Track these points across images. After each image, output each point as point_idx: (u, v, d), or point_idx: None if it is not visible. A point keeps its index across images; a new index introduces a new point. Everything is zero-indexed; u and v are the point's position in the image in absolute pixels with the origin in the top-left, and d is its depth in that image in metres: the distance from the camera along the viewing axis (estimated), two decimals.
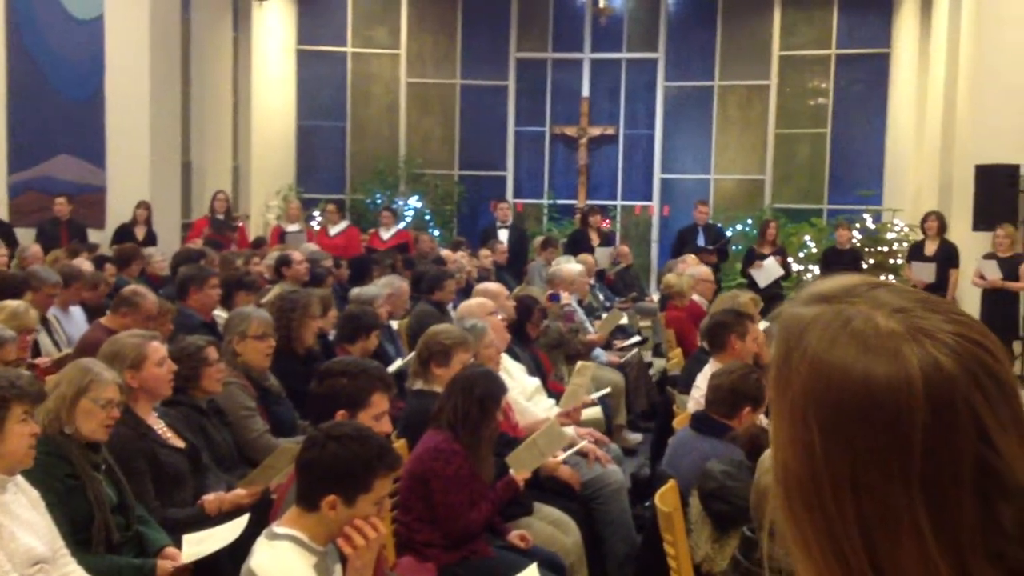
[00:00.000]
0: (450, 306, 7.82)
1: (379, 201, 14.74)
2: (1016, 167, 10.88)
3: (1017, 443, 0.81)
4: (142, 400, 4.01)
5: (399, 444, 4.26)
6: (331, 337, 6.35)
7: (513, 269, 11.57)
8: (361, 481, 2.70)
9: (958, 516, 0.80)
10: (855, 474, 0.81)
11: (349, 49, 15.79)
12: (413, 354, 5.01)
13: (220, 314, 6.46)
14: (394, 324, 7.43)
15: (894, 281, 10.66)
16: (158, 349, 4.09)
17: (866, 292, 0.86)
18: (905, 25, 14.39)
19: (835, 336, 0.83)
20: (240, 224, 12.12)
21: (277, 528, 2.71)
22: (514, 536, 4.14)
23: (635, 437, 7.75)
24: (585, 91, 15.74)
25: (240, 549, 3.04)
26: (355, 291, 7.31)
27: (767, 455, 2.77)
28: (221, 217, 11.67)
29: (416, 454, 4.00)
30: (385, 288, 7.29)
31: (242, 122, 14.56)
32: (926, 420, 0.79)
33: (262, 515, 3.45)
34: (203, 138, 13.34)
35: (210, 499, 3.90)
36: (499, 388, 4.15)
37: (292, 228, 12.30)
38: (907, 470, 0.79)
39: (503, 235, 11.96)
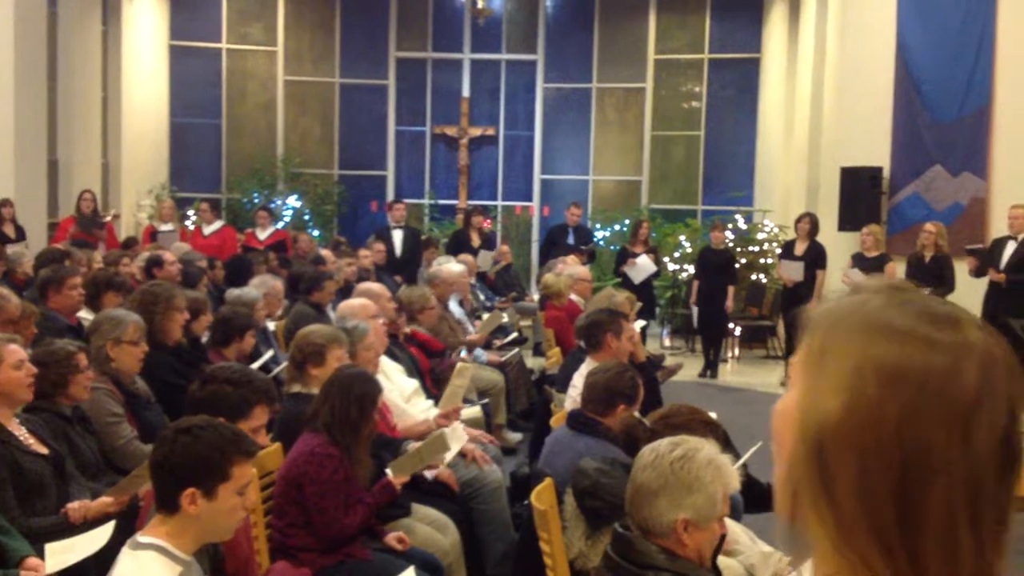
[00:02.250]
0: (329, 307, 7.73)
1: (256, 200, 14.49)
2: (879, 169, 11.33)
3: None
4: (1, 405, 3.85)
5: (274, 448, 4.19)
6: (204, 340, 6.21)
7: (407, 271, 11.51)
8: (217, 469, 2.64)
9: (983, 478, 0.88)
10: (901, 419, 0.88)
11: (224, 45, 15.48)
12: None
13: (86, 316, 6.25)
14: (271, 325, 7.32)
15: (764, 280, 10.91)
16: (15, 352, 3.94)
17: (906, 288, 0.96)
18: (774, 32, 14.84)
19: (887, 307, 0.93)
20: (107, 222, 11.73)
21: (141, 537, 2.63)
22: (391, 538, 4.12)
23: (515, 436, 7.80)
24: (465, 91, 15.77)
25: (106, 558, 2.94)
26: (231, 292, 7.17)
27: (645, 451, 2.81)
28: (88, 216, 11.29)
29: (291, 458, 3.95)
30: (260, 288, 7.17)
31: (112, 118, 14.10)
32: (979, 383, 0.88)
33: (129, 523, 3.35)
34: (71, 135, 12.88)
35: (74, 507, 3.76)
36: (376, 388, 4.12)
37: (165, 228, 11.99)
38: (951, 424, 0.87)
39: (397, 235, 11.87)
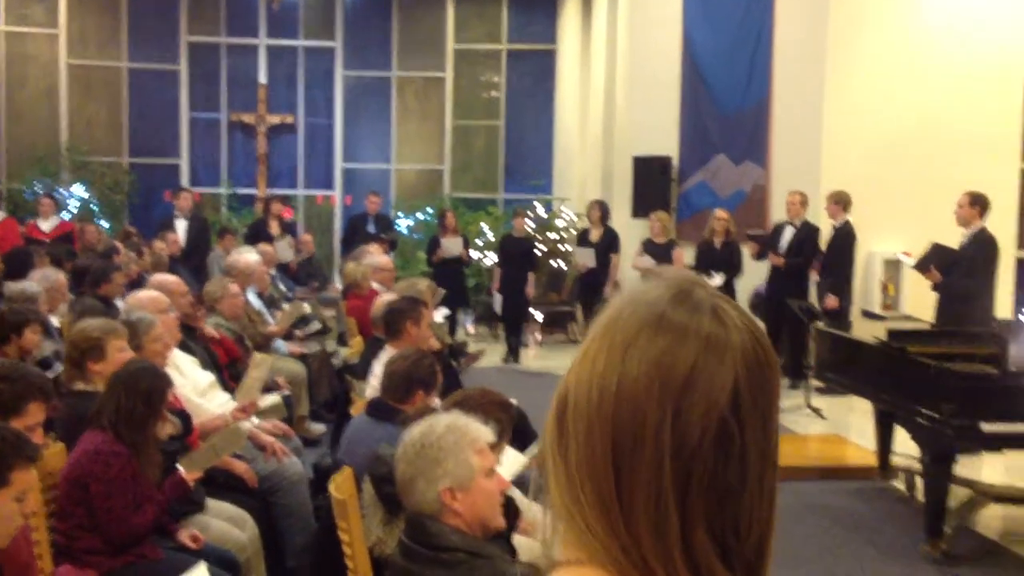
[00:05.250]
0: (119, 301, 7.42)
1: (39, 190, 13.73)
2: (668, 158, 11.81)
3: (760, 428, 0.95)
4: None
5: (57, 448, 4.01)
6: None
7: (193, 261, 11.17)
8: None
9: (693, 455, 0.92)
10: (621, 384, 0.93)
11: (1, 27, 14.58)
12: None
13: None
14: (55, 321, 6.97)
15: (563, 267, 11.25)
16: None
17: (700, 283, 1.00)
18: (568, 24, 15.20)
19: (659, 289, 0.98)
20: None
21: None
22: (184, 536, 4.01)
23: (318, 427, 7.74)
24: (262, 78, 15.42)
25: None
26: (10, 286, 6.78)
27: (398, 449, 2.90)
28: None
29: (74, 457, 3.79)
30: (41, 283, 6.82)
31: None
32: (699, 361, 0.93)
33: None
34: None
35: None
36: (165, 383, 4.00)
37: None
38: (665, 398, 0.92)
39: (181, 226, 11.49)
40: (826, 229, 9.88)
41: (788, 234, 10.00)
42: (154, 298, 5.73)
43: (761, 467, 0.96)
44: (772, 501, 0.98)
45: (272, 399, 6.18)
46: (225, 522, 4.42)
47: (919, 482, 6.25)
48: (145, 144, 15.21)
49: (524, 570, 2.61)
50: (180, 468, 4.03)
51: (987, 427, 5.25)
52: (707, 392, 0.92)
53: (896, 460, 6.98)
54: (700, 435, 0.92)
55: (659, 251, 10.59)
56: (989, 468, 6.94)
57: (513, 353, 11.66)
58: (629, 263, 11.01)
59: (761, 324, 8.29)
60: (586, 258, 11.18)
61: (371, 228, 12.18)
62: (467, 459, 2.77)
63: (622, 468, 0.92)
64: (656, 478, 0.91)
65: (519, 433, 4.15)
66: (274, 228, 11.84)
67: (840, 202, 9.73)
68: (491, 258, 13.35)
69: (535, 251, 12.34)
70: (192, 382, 5.36)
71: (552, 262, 13.69)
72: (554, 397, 1.00)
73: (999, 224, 8.88)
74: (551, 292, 13.56)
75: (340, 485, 3.63)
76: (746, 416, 0.94)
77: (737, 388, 0.93)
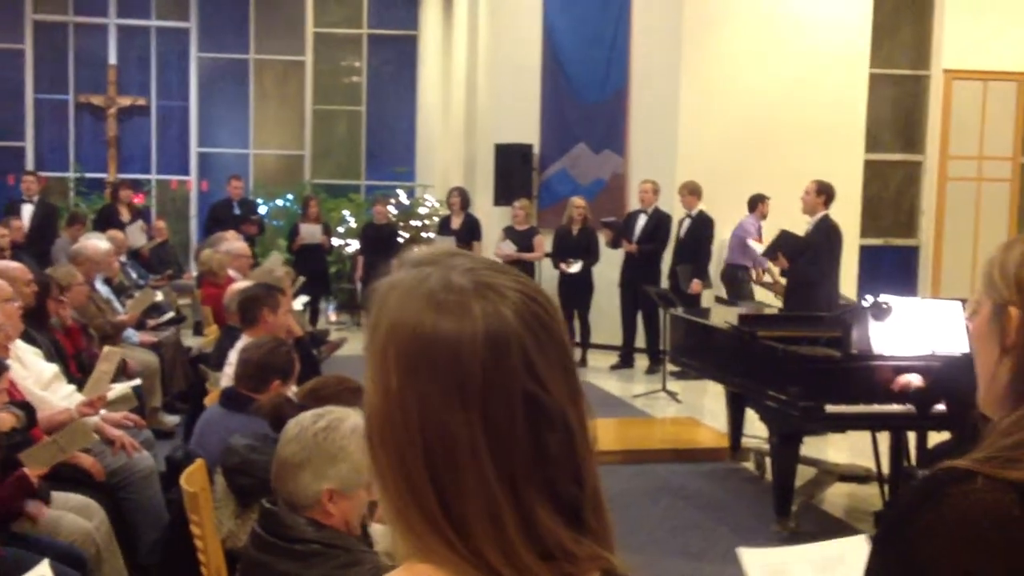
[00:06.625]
0: None
1: None
2: (529, 146, 11.89)
3: (562, 381, 0.95)
4: None
5: None
6: None
7: (38, 248, 10.70)
8: None
9: (512, 444, 0.91)
10: (423, 408, 0.92)
11: None
12: None
13: None
14: None
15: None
16: None
17: (445, 258, 0.99)
18: (430, 9, 15.13)
19: (412, 291, 0.95)
20: None
21: None
22: (30, 509, 3.83)
23: (172, 419, 7.54)
24: (112, 59, 14.87)
25: None
26: None
27: (291, 425, 2.81)
28: None
29: None
30: None
31: None
32: (485, 361, 0.91)
33: None
34: None
35: None
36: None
37: None
38: (468, 403, 0.91)
39: (26, 211, 10.99)
40: (682, 218, 10.15)
41: (641, 222, 10.24)
42: None
43: (577, 411, 0.96)
44: (594, 442, 0.98)
45: (121, 388, 5.97)
46: (71, 512, 4.25)
47: (768, 462, 6.47)
48: None
49: (379, 560, 2.59)
50: (23, 464, 3.86)
51: (831, 408, 5.46)
52: (504, 382, 0.92)
53: (747, 441, 7.22)
54: (511, 423, 0.92)
55: (520, 238, 10.69)
56: (834, 448, 7.24)
57: None
58: (491, 250, 11.06)
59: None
60: (446, 245, 11.19)
61: (236, 212, 11.94)
62: (361, 467, 2.69)
63: (445, 487, 0.91)
64: (482, 484, 0.91)
65: None
66: (124, 214, 11.46)
67: (694, 192, 10.02)
68: (353, 245, 13.23)
69: (397, 238, 12.27)
70: (35, 374, 5.13)
71: (415, 249, 13.64)
72: (364, 419, 0.98)
73: (843, 212, 9.26)
74: None
75: (191, 477, 3.54)
76: (546, 376, 0.93)
77: (529, 358, 0.93)
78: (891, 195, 12.81)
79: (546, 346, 0.94)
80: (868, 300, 5.66)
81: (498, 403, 0.91)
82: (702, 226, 10.02)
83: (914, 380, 5.34)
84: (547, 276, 10.57)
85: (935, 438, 5.75)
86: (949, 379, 4.96)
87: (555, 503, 0.93)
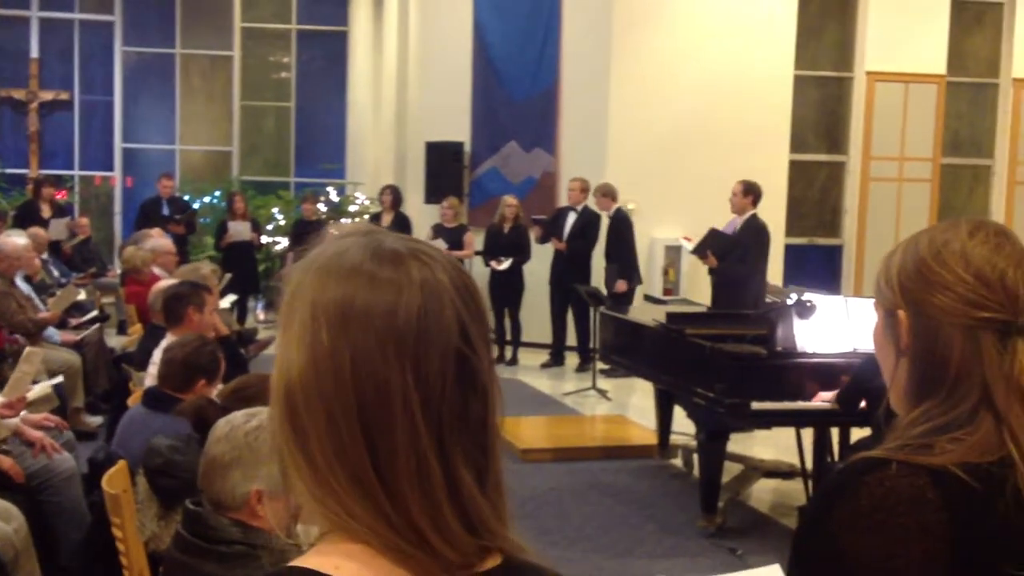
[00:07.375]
0: None
1: None
2: (460, 144, 11.88)
3: (486, 351, 0.97)
4: None
5: None
6: None
7: None
8: None
9: (441, 403, 0.92)
10: (356, 360, 0.91)
11: None
12: None
13: None
14: None
15: None
16: None
17: (375, 231, 1.00)
18: (360, 6, 15.01)
19: (345, 251, 0.95)
20: None
21: None
22: None
23: (94, 420, 7.41)
24: (34, 52, 14.51)
25: None
26: None
27: (220, 424, 2.77)
28: None
29: None
30: None
31: None
32: (421, 312, 0.92)
33: None
34: None
35: None
36: None
37: None
38: (403, 353, 0.91)
39: None
40: (604, 219, 10.24)
41: (570, 220, 10.31)
42: None
43: (494, 385, 0.98)
44: (501, 424, 1.00)
45: (42, 388, 5.84)
46: None
47: (696, 459, 6.54)
48: None
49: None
50: None
51: (757, 405, 5.54)
52: (439, 336, 0.93)
53: (675, 439, 7.29)
54: (443, 379, 0.93)
55: (450, 236, 10.68)
56: (760, 445, 7.35)
57: None
58: None
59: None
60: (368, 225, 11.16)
61: (165, 211, 11.74)
62: None
63: (377, 444, 0.91)
64: (414, 439, 0.91)
65: None
66: (46, 210, 11.22)
67: (608, 194, 10.10)
68: (283, 243, 13.10)
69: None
70: None
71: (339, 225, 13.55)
72: (273, 391, 0.97)
73: (770, 212, 9.42)
74: None
75: (113, 479, 3.48)
76: (476, 342, 0.95)
77: (461, 318, 0.95)
78: (815, 195, 13.04)
79: (475, 314, 0.97)
80: (793, 297, 5.77)
81: (432, 356, 0.92)
82: (621, 226, 10.11)
83: (827, 396, 5.47)
84: (477, 274, 10.55)
85: (857, 434, 5.87)
86: (867, 377, 5.06)
87: (468, 463, 0.94)
